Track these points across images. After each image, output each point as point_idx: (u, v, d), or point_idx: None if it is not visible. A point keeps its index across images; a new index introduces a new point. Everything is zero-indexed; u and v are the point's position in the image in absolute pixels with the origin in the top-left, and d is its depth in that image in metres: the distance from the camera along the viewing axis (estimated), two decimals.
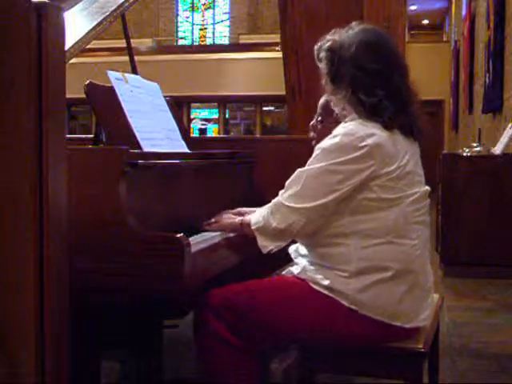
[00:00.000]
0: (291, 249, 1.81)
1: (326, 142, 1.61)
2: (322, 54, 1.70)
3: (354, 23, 1.71)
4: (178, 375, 2.33)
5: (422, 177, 1.70)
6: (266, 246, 1.66)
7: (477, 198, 4.59)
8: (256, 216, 1.70)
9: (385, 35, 1.70)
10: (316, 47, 1.73)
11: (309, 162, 1.63)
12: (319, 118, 2.18)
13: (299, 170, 1.63)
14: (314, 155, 1.62)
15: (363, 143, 1.55)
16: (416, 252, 1.62)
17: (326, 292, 1.60)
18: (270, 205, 1.67)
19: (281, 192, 1.66)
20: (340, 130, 1.61)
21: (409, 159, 1.62)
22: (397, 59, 1.69)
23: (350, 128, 1.60)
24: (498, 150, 4.76)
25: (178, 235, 1.49)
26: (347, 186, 1.57)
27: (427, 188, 1.71)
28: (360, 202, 1.59)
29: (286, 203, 1.62)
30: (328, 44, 1.68)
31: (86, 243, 1.52)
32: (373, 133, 1.57)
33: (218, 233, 1.81)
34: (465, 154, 4.82)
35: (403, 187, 1.60)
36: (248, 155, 2.51)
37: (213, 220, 1.86)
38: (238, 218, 1.82)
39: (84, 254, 1.51)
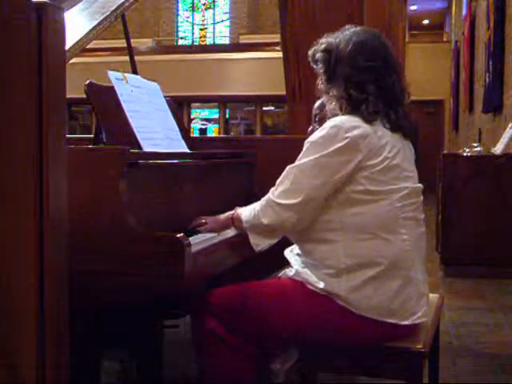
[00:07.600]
0: (286, 251, 1.81)
1: (314, 136, 1.64)
2: (318, 55, 1.74)
3: (347, 26, 1.75)
4: (178, 375, 2.33)
5: (413, 173, 1.70)
6: (259, 244, 1.67)
7: (477, 198, 4.58)
8: (247, 213, 1.71)
9: (378, 36, 1.73)
10: (310, 52, 1.77)
11: (298, 158, 1.64)
12: (316, 118, 2.20)
13: (289, 166, 1.65)
14: (303, 150, 1.64)
15: (348, 134, 1.58)
16: (406, 247, 1.61)
17: (320, 292, 1.61)
18: (260, 202, 1.68)
19: (272, 189, 1.66)
20: (327, 123, 1.64)
21: (396, 153, 1.63)
22: (391, 58, 1.72)
23: (337, 121, 1.62)
24: (498, 149, 4.76)
25: (178, 235, 1.49)
26: (336, 178, 1.58)
27: (419, 185, 1.72)
28: (348, 195, 1.60)
29: (278, 200, 1.63)
30: (323, 46, 1.73)
31: (86, 243, 1.52)
32: (359, 125, 1.60)
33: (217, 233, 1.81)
34: (465, 154, 4.82)
35: (391, 180, 1.61)
36: (248, 155, 2.51)
37: (199, 221, 1.85)
38: (228, 213, 1.82)
39: (84, 254, 1.51)
